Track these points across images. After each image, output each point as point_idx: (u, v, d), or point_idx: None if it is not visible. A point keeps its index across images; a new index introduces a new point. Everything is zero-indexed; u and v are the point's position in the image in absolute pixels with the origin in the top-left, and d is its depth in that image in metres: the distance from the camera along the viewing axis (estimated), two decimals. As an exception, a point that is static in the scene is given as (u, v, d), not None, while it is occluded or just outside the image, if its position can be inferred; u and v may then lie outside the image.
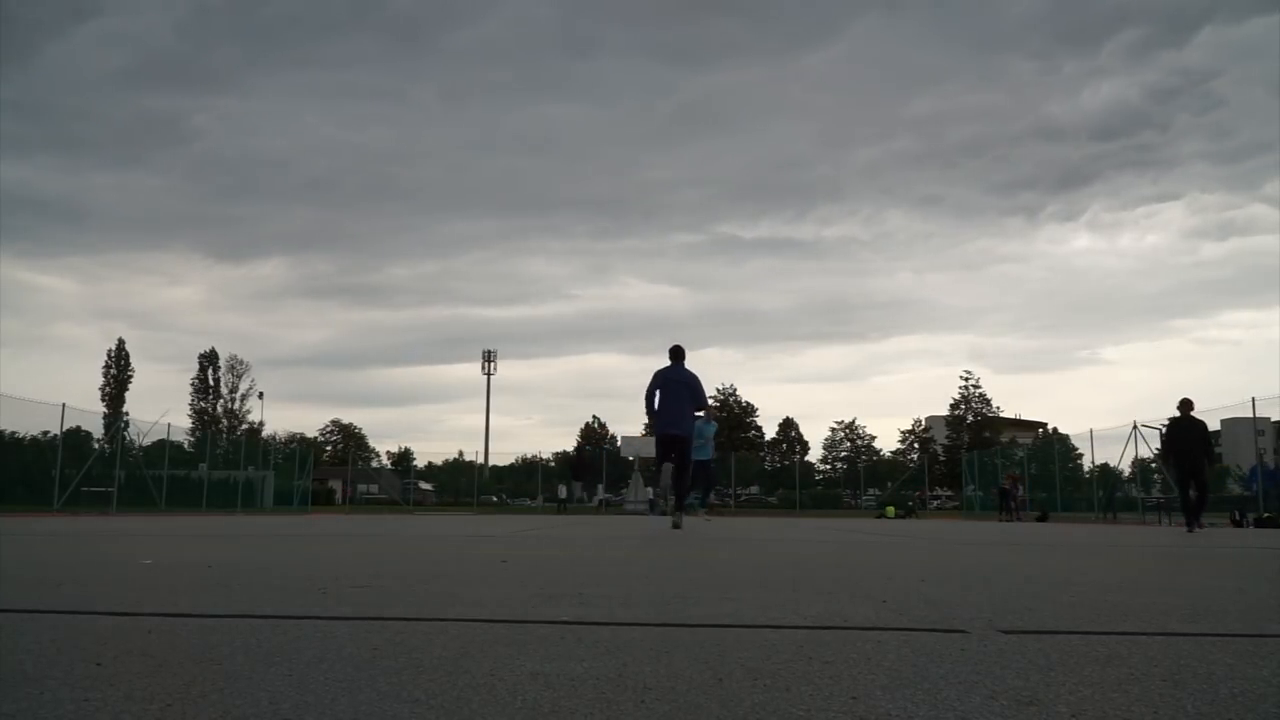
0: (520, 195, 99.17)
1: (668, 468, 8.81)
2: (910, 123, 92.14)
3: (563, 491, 43.27)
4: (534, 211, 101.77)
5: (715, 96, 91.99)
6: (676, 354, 9.01)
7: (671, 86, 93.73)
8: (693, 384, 8.91)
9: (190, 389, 65.25)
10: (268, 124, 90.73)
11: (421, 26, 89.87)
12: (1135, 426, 25.40)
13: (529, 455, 58.26)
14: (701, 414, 9.63)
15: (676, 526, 8.62)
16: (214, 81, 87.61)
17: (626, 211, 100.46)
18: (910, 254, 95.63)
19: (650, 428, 9.36)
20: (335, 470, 57.55)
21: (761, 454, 68.46)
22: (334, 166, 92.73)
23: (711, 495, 13.35)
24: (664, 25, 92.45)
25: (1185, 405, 12.42)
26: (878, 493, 52.29)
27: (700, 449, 12.61)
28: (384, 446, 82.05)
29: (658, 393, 8.81)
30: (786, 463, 64.17)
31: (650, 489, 42.97)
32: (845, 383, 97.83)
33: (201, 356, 66.14)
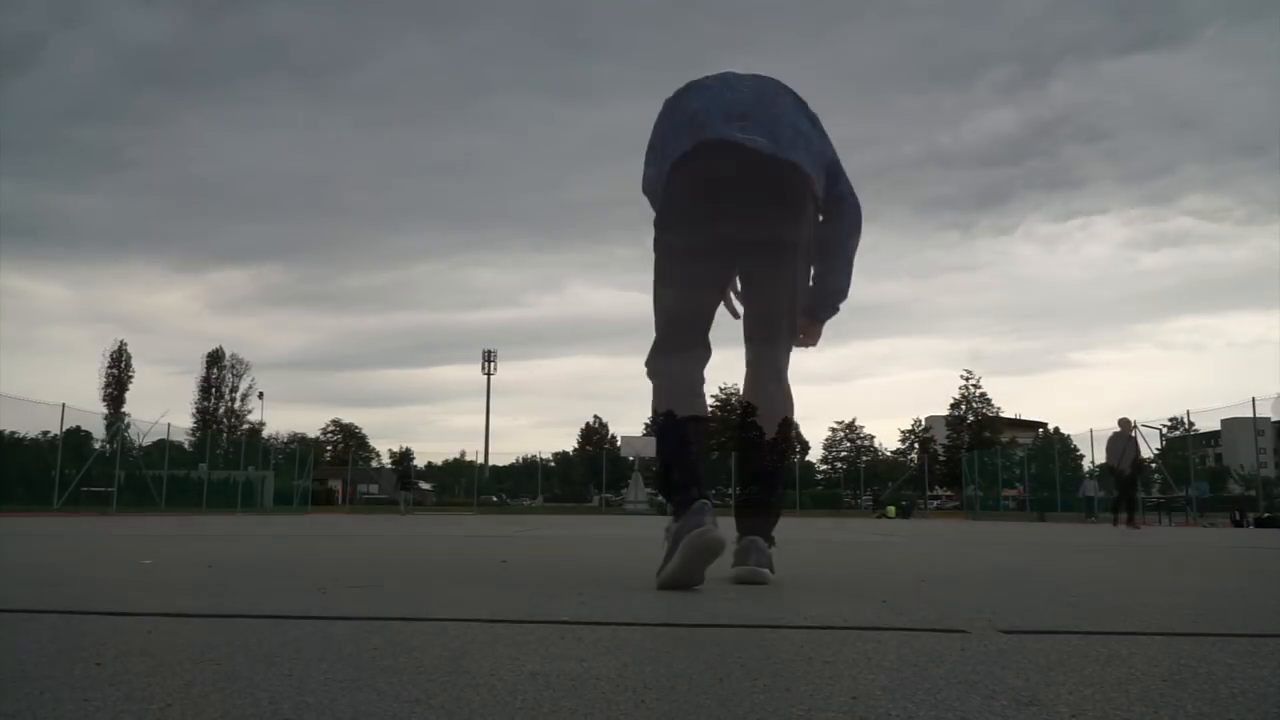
0: (511, 203, 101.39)
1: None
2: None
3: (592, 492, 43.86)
4: (523, 221, 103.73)
5: (616, 128, 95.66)
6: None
7: (571, 120, 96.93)
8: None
9: (196, 388, 65.39)
10: (206, 152, 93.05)
11: (322, 71, 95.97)
12: (1135, 426, 25.42)
13: (529, 455, 58.39)
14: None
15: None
16: (141, 118, 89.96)
17: (567, 227, 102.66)
18: (865, 263, 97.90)
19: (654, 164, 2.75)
20: (335, 470, 57.53)
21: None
22: (317, 180, 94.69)
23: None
24: (544, 68, 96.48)
25: (1124, 425, 15.77)
26: (877, 490, 52.31)
27: None
28: (384, 446, 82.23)
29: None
30: (786, 463, 64.17)
31: (650, 491, 43.24)
32: (833, 385, 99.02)
33: (208, 356, 66.25)
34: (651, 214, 2.75)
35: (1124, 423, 15.72)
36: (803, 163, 2.58)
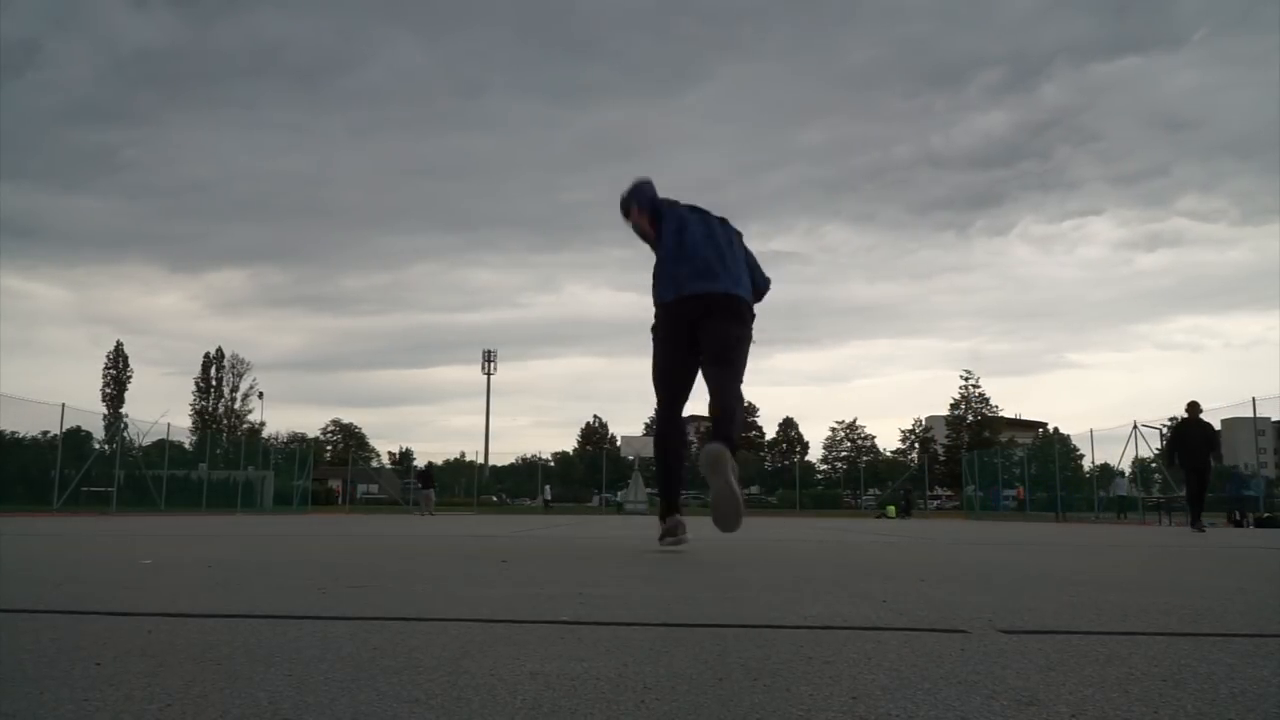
0: (485, 210, 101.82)
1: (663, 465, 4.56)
2: (832, 148, 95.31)
3: (548, 493, 44.36)
4: (503, 224, 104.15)
5: (611, 130, 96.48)
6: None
7: (566, 122, 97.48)
8: (737, 236, 4.68)
9: (194, 388, 65.46)
10: (202, 154, 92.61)
11: (315, 74, 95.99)
12: (1135, 426, 25.43)
13: (529, 455, 58.52)
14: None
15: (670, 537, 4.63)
16: (136, 120, 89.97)
17: (559, 228, 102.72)
18: (863, 263, 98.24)
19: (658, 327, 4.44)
20: (335, 470, 57.55)
21: (761, 454, 68.50)
22: (315, 183, 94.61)
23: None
24: (537, 71, 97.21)
25: (1192, 409, 13.24)
26: (878, 492, 52.33)
27: None
28: (384, 447, 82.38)
29: (668, 233, 4.43)
30: (786, 463, 64.22)
31: (650, 491, 43.73)
32: (833, 385, 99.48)
33: (206, 356, 66.31)
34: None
35: (1194, 406, 13.18)
36: (743, 294, 4.40)
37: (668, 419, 4.53)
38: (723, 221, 4.64)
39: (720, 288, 4.29)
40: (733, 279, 4.35)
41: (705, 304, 4.29)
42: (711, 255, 4.34)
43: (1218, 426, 14.04)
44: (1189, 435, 13.09)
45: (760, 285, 4.69)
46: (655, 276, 4.43)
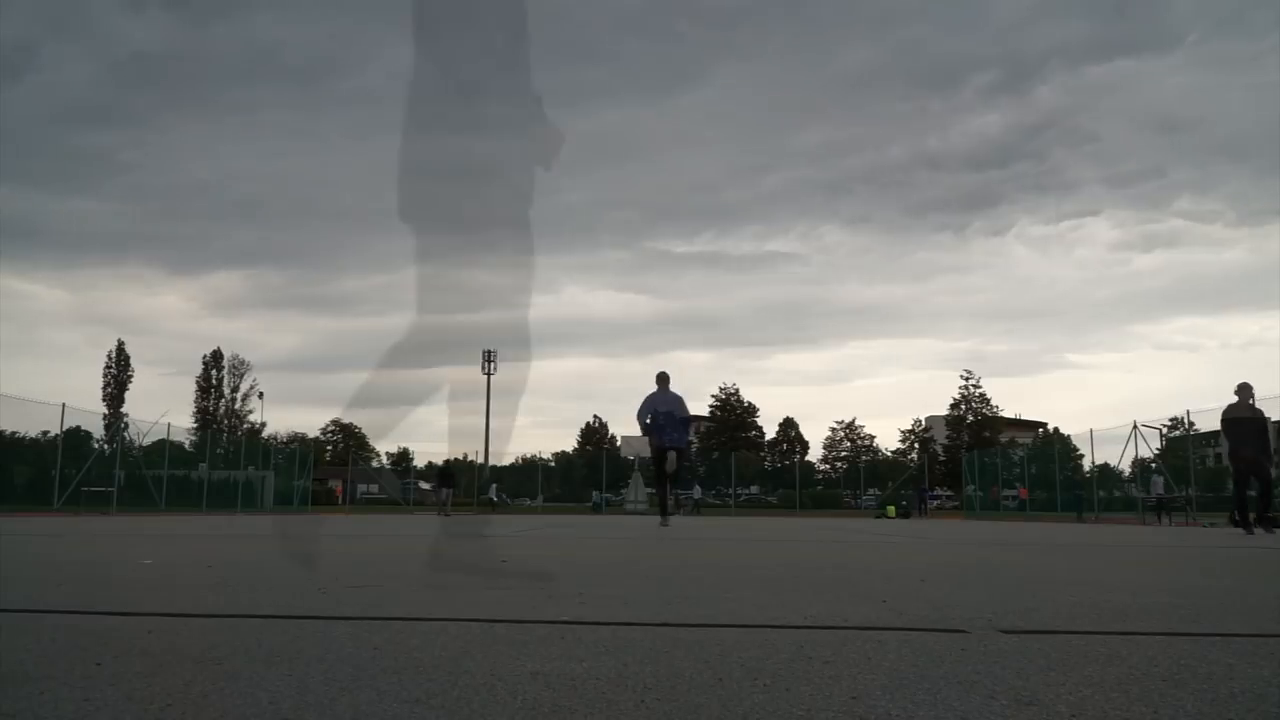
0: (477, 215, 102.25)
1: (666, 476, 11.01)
2: (827, 150, 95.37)
3: (493, 492, 44.60)
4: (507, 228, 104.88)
5: (608, 132, 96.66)
6: (663, 379, 10.93)
7: (562, 124, 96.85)
8: (679, 403, 11.16)
9: (195, 388, 65.51)
10: (201, 156, 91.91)
11: (311, 78, 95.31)
12: (1135, 426, 25.42)
13: (529, 455, 58.60)
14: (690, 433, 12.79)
15: (664, 525, 10.81)
16: (134, 123, 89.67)
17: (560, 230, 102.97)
18: (861, 264, 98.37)
19: (650, 443, 11.45)
20: (335, 470, 57.56)
21: (761, 454, 68.59)
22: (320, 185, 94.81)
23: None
24: (534, 74, 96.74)
25: (1243, 391, 11.19)
26: (878, 492, 52.32)
27: None
28: (384, 446, 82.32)
29: (650, 414, 10.97)
30: (786, 463, 64.28)
31: (649, 491, 43.91)
32: (833, 385, 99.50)
33: (207, 357, 66.39)
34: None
35: (1245, 389, 11.13)
36: (683, 445, 11.08)
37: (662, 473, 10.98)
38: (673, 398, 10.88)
39: (678, 445, 10.85)
40: (682, 439, 10.98)
41: (673, 450, 10.80)
42: (669, 427, 10.71)
43: (1218, 426, 11.86)
44: (1244, 425, 10.97)
45: (686, 420, 11.22)
46: (642, 411, 10.83)
